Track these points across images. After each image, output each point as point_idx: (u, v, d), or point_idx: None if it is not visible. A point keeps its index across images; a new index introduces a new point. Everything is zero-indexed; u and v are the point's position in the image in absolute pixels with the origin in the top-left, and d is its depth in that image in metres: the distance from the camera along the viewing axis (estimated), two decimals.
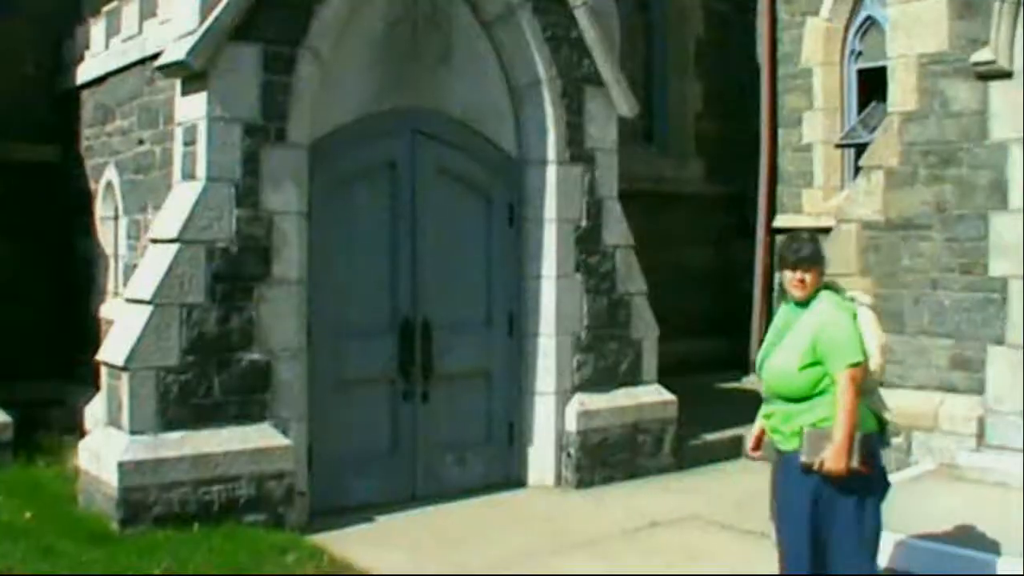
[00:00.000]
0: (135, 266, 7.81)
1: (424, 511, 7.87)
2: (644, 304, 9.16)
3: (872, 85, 12.66)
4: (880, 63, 12.29)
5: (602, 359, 8.83)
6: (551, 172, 8.55)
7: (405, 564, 6.65)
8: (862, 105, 12.78)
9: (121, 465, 6.60)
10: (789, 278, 5.12)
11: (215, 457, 6.89)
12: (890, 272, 9.02)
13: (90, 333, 9.03)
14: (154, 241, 7.11)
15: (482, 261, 8.42)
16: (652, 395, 9.16)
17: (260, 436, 7.10)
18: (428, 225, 8.11)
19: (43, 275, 9.69)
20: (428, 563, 6.70)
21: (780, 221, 13.16)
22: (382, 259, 7.95)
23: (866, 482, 4.98)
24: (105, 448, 6.85)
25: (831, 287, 5.21)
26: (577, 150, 8.68)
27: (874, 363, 5.00)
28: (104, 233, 9.04)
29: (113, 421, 6.90)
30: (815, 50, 12.91)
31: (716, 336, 13.27)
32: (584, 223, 8.72)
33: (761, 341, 12.62)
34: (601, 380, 8.82)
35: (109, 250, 8.97)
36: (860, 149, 12.51)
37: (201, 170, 6.99)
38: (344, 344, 7.72)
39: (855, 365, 4.86)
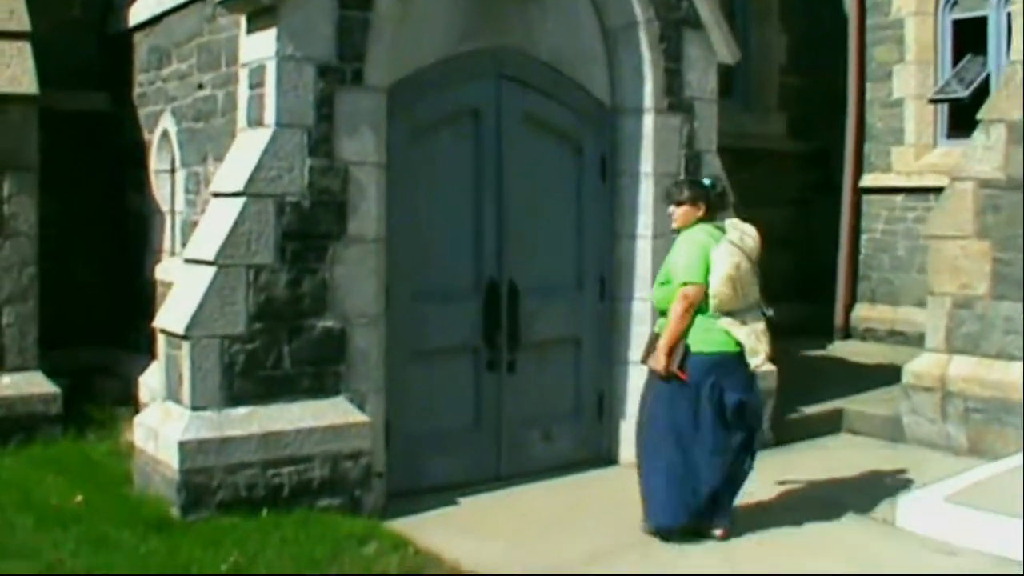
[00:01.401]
0: (194, 223, 6.97)
1: (510, 492, 7.03)
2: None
3: (968, 36, 11.62)
4: (978, 13, 11.28)
5: None
6: (648, 122, 7.60)
7: (500, 559, 5.77)
8: (956, 58, 11.71)
9: (182, 445, 5.76)
10: (669, 211, 6.12)
11: (285, 435, 6.04)
12: (1011, 235, 8.03)
13: (144, 296, 8.20)
14: (216, 195, 6.24)
15: (572, 218, 7.50)
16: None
17: (335, 412, 6.24)
18: (514, 178, 7.19)
19: (93, 233, 8.82)
20: (525, 556, 5.83)
21: (867, 180, 12.17)
22: (465, 216, 7.05)
23: (694, 393, 5.77)
24: (163, 425, 6.00)
25: (710, 221, 5.97)
26: (675, 99, 7.72)
27: (712, 290, 5.65)
28: (159, 187, 8.16)
29: (172, 395, 6.05)
30: None
31: (798, 300, 12.27)
32: (682, 177, 7.76)
33: (846, 307, 11.83)
34: None
35: (165, 206, 8.09)
36: (954, 105, 11.53)
37: (270, 116, 6.09)
38: (424, 309, 6.84)
39: (684, 284, 5.65)
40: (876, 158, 12.13)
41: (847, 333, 12.24)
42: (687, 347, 5.68)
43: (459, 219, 7.01)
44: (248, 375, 5.99)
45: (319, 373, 6.23)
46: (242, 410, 5.97)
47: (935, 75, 11.78)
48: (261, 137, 6.09)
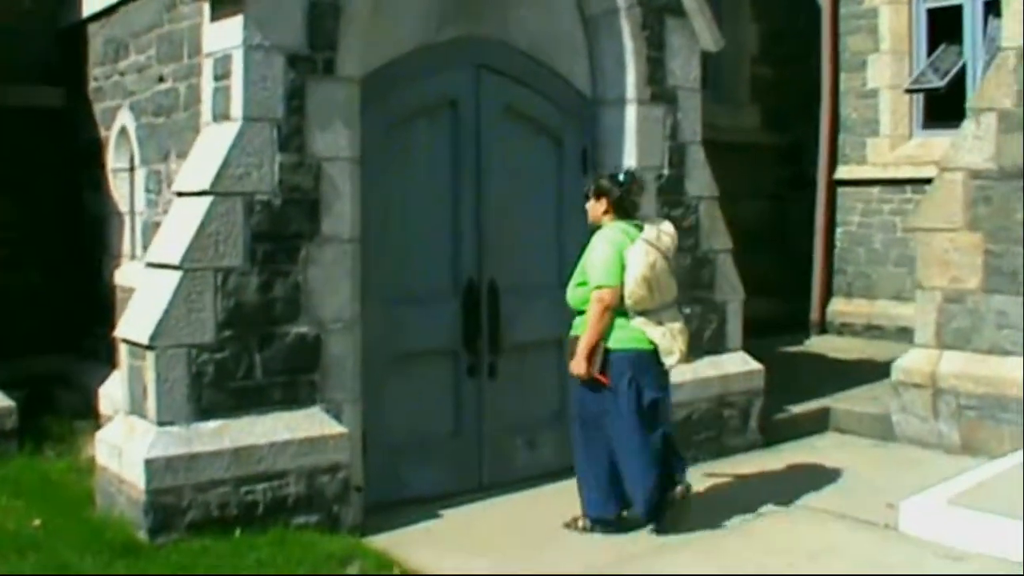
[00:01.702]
0: (156, 225, 6.52)
1: (494, 503, 6.66)
2: (729, 263, 7.92)
3: (942, 26, 11.38)
4: (953, 1, 11.05)
5: (686, 324, 7.54)
6: (630, 113, 7.25)
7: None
8: (931, 48, 11.47)
9: (149, 463, 5.34)
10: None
11: (259, 450, 5.64)
12: (1003, 226, 7.75)
13: (102, 302, 7.74)
14: (180, 194, 5.82)
15: (553, 214, 7.14)
16: (738, 364, 7.95)
17: (310, 423, 5.84)
18: (493, 173, 6.81)
19: (46, 236, 8.32)
20: (516, 573, 5.45)
21: (842, 173, 11.92)
22: (442, 213, 6.66)
23: (611, 392, 5.72)
24: (128, 442, 5.57)
25: (633, 217, 5.92)
26: (658, 89, 7.38)
27: (627, 290, 5.60)
28: (117, 187, 7.69)
29: (136, 409, 5.62)
30: None
31: (772, 296, 11.97)
32: (666, 171, 7.45)
33: (822, 301, 11.57)
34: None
35: (124, 207, 7.63)
36: (930, 95, 11.29)
37: (237, 109, 5.68)
38: (400, 312, 6.45)
39: (599, 287, 5.59)
40: (851, 150, 11.87)
41: (823, 328, 11.99)
42: (606, 349, 5.66)
43: (436, 216, 6.63)
44: (218, 386, 5.57)
45: (293, 382, 5.83)
46: (212, 424, 5.56)
47: (910, 65, 11.55)
48: (228, 132, 5.68)
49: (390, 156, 6.36)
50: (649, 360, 5.74)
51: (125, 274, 7.36)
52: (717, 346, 7.82)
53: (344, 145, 5.96)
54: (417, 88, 6.50)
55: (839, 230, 11.99)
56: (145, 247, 6.80)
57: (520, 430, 6.96)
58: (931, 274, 8.07)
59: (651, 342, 5.73)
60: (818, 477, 7.20)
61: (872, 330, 11.61)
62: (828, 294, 12.07)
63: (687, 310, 7.49)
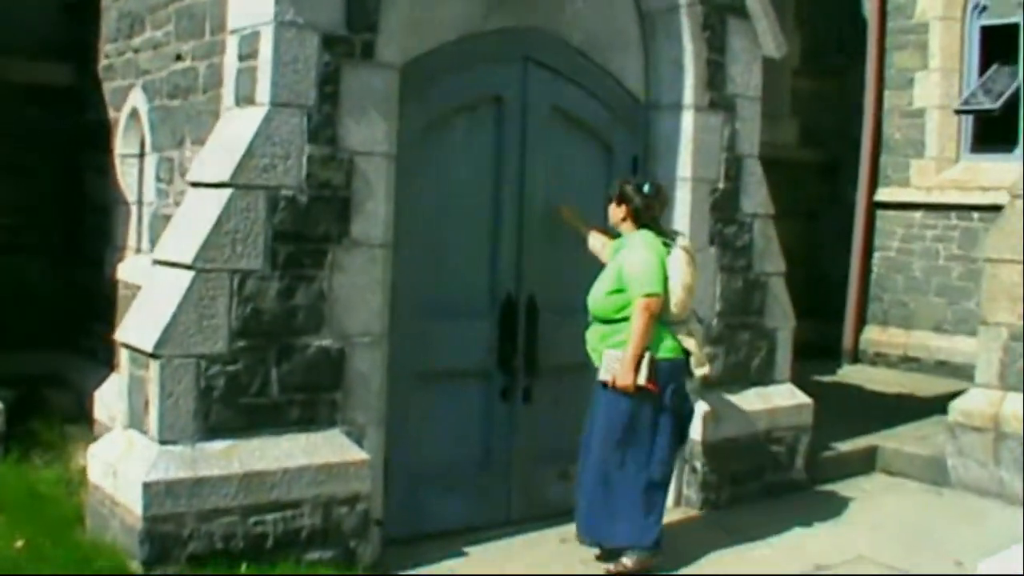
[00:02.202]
0: (166, 217, 5.85)
1: (523, 539, 6.01)
2: (782, 287, 7.26)
3: (995, 45, 10.73)
4: (1008, 19, 10.39)
5: (733, 353, 6.93)
6: (687, 120, 6.59)
7: None
8: (983, 67, 10.81)
9: (147, 487, 4.65)
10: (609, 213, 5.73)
11: (271, 476, 4.96)
12: None
13: (102, 298, 7.03)
14: (195, 185, 5.14)
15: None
16: (786, 397, 7.27)
17: (329, 447, 5.16)
18: (538, 178, 6.15)
19: (47, 224, 7.62)
20: None
21: (883, 195, 11.25)
22: (481, 219, 6.00)
23: (658, 401, 5.36)
24: (125, 460, 4.89)
25: (652, 228, 5.57)
26: (717, 95, 6.73)
27: (674, 299, 5.38)
28: (124, 174, 6.99)
29: (136, 423, 4.94)
30: (933, 2, 10.90)
31: (802, 320, 11.26)
32: (721, 185, 6.78)
33: (856, 329, 10.89)
34: (731, 378, 6.93)
35: (131, 196, 6.93)
36: (979, 118, 10.64)
37: (264, 92, 5.01)
38: (430, 327, 5.77)
39: (649, 295, 5.26)
40: (893, 171, 11.20)
41: (855, 357, 11.30)
42: (652, 357, 5.34)
43: (475, 222, 5.97)
44: (228, 402, 4.89)
45: (312, 401, 5.15)
46: (220, 444, 4.88)
47: (960, 85, 10.87)
48: (252, 118, 5.00)
49: (426, 154, 5.69)
50: (683, 370, 5.56)
51: (129, 269, 6.66)
52: (764, 377, 7.15)
53: (380, 139, 5.29)
54: (460, 80, 5.83)
55: (876, 255, 11.32)
56: (152, 241, 6.14)
57: (553, 459, 6.28)
58: (997, 308, 7.39)
59: (686, 351, 5.51)
60: (875, 526, 6.55)
61: (908, 362, 10.94)
62: (862, 321, 11.38)
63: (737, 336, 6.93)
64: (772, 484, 7.07)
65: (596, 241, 6.05)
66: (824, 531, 6.47)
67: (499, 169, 6.02)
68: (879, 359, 11.19)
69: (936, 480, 7.58)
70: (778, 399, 7.19)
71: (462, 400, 5.97)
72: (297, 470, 5.01)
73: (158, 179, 6.33)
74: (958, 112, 10.74)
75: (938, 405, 8.96)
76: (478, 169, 5.96)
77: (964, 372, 10.24)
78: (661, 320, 5.41)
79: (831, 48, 11.56)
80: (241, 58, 5.13)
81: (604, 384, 5.46)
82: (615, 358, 5.39)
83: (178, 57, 6.03)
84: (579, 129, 6.37)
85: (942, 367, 10.57)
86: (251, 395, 4.96)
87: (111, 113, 7.15)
